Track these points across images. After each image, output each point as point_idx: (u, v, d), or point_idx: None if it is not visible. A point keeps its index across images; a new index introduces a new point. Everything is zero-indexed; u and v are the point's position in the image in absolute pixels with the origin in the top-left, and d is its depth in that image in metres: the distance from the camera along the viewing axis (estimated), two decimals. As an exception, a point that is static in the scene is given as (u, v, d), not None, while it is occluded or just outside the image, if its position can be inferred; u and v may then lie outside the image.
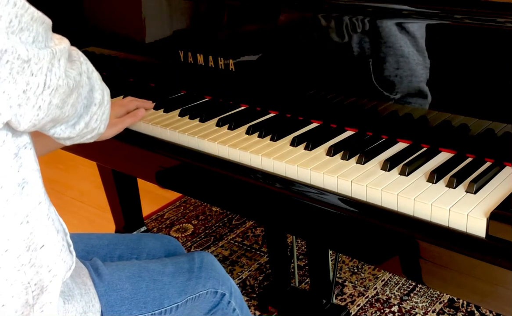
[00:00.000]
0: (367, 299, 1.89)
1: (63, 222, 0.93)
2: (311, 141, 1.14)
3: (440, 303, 1.84)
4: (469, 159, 1.05)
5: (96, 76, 0.96)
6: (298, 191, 1.07)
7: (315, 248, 1.56)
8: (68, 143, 0.98)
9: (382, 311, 1.83)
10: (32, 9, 0.77)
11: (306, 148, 1.14)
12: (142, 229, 2.17)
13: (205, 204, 2.56)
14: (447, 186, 0.96)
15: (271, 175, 1.11)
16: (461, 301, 1.84)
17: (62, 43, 0.83)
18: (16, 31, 0.73)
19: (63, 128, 0.91)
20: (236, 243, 2.27)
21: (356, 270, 2.03)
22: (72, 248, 0.94)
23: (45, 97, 0.79)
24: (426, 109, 1.07)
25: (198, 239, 2.32)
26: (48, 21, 0.81)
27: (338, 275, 2.00)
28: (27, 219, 0.83)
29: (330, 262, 1.57)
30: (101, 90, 0.97)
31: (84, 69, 0.91)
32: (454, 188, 0.95)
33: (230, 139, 1.21)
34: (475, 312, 1.79)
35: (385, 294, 1.90)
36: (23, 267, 0.83)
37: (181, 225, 2.44)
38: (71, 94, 0.86)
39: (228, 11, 1.33)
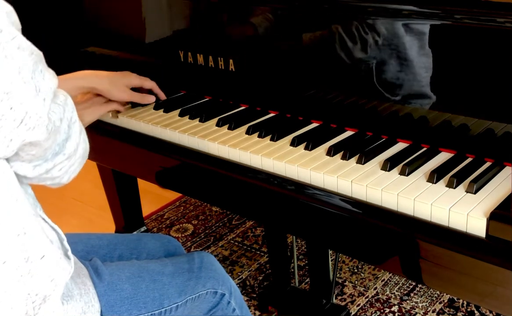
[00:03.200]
0: (367, 299, 1.89)
1: (58, 228, 0.93)
2: (311, 141, 1.14)
3: (440, 303, 1.84)
4: (469, 159, 1.05)
5: (77, 126, 0.90)
6: (298, 191, 1.07)
7: (315, 248, 1.56)
8: (24, 181, 0.89)
9: (382, 311, 1.83)
10: (20, 38, 0.75)
11: (306, 148, 1.14)
12: (142, 229, 2.17)
13: (205, 204, 2.56)
14: (447, 186, 0.96)
15: (271, 175, 1.11)
16: (461, 301, 1.84)
17: (51, 82, 0.80)
18: None
19: (24, 165, 0.84)
20: (236, 243, 2.27)
21: (356, 270, 2.03)
22: (69, 252, 0.94)
23: (20, 132, 0.76)
24: (426, 109, 1.07)
25: (198, 239, 2.32)
26: (38, 53, 0.79)
27: (338, 275, 2.00)
28: (24, 231, 0.83)
29: (330, 262, 1.57)
30: (76, 143, 0.90)
31: (68, 116, 0.86)
32: (454, 188, 0.95)
33: (230, 139, 1.21)
34: (475, 312, 1.79)
35: (385, 294, 1.90)
36: (22, 278, 0.83)
37: (181, 225, 2.44)
38: (48, 138, 0.81)
39: (228, 11, 1.33)
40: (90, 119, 1.30)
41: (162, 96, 1.45)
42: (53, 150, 0.86)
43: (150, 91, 1.44)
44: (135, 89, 1.40)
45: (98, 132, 1.42)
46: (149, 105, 1.44)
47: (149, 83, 1.42)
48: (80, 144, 0.92)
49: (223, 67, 1.35)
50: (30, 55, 0.76)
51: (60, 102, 0.84)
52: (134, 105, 1.44)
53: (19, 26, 0.78)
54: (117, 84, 1.35)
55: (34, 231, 0.84)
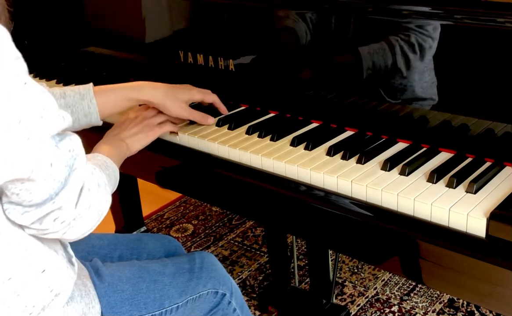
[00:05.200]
0: (367, 299, 1.89)
1: None
2: (311, 141, 1.14)
3: (440, 303, 1.84)
4: (469, 159, 1.05)
5: (79, 175, 0.81)
6: (298, 191, 1.07)
7: (315, 248, 1.56)
8: (27, 231, 0.84)
9: (382, 311, 1.83)
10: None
11: (306, 148, 1.14)
12: (142, 229, 2.17)
13: (205, 204, 2.56)
14: (447, 186, 0.96)
15: (271, 175, 1.11)
16: (461, 301, 1.84)
17: (48, 122, 0.75)
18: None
19: (12, 208, 0.79)
20: (236, 243, 2.27)
21: (356, 270, 2.03)
22: (73, 259, 0.95)
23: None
24: (426, 109, 1.07)
25: (198, 239, 2.32)
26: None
27: (338, 275, 2.00)
28: (25, 247, 0.84)
29: (330, 262, 1.57)
30: (76, 194, 0.81)
31: (67, 162, 0.79)
32: (454, 188, 0.95)
33: (230, 139, 1.21)
34: (475, 312, 1.79)
35: (385, 294, 1.90)
36: (23, 292, 0.84)
37: (181, 225, 2.44)
38: (33, 179, 0.75)
39: (228, 11, 1.33)
40: (139, 147, 1.17)
41: (224, 110, 1.31)
42: (42, 196, 0.78)
43: (209, 106, 1.31)
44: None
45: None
46: None
47: (210, 97, 1.29)
48: (83, 200, 0.83)
49: (223, 67, 1.35)
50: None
51: (63, 146, 0.79)
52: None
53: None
54: (176, 99, 1.22)
55: (38, 247, 0.85)
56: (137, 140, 1.16)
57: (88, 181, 0.84)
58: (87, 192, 0.83)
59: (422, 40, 1.03)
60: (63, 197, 0.79)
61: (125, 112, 1.22)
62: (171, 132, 1.27)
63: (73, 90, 1.18)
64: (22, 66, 0.73)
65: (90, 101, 1.16)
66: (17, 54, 0.73)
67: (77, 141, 0.82)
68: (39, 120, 0.74)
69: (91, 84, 1.20)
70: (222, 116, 1.31)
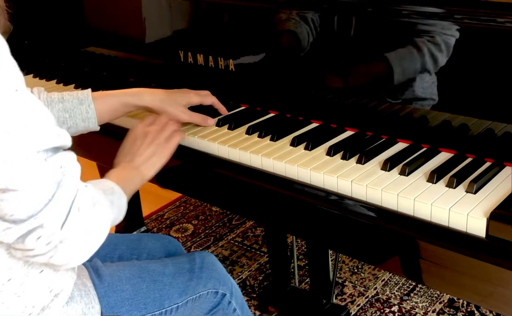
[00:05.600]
0: (367, 299, 1.89)
1: None
2: (311, 141, 1.14)
3: (440, 303, 1.84)
4: (469, 159, 1.05)
5: (68, 193, 0.78)
6: (298, 191, 1.07)
7: (315, 248, 1.56)
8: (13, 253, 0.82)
9: (382, 311, 1.83)
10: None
11: (306, 148, 1.14)
12: (142, 229, 2.17)
13: (205, 204, 2.56)
14: (447, 186, 0.96)
15: (271, 175, 1.11)
16: (461, 301, 1.84)
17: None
18: None
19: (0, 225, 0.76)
20: (236, 243, 2.27)
21: (356, 270, 2.03)
22: None
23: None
24: (426, 109, 1.07)
25: (198, 239, 2.32)
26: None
27: (338, 275, 2.00)
28: None
29: (330, 262, 1.57)
30: (64, 214, 0.77)
31: (54, 178, 0.77)
32: (454, 188, 0.95)
33: (230, 139, 1.21)
34: (475, 312, 1.79)
35: (385, 294, 1.90)
36: (24, 294, 0.84)
37: (181, 225, 2.44)
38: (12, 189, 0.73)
39: (228, 11, 1.33)
40: (155, 171, 1.10)
41: (224, 111, 1.31)
42: (25, 210, 0.75)
43: (209, 107, 1.30)
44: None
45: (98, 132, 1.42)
46: None
47: (209, 99, 1.29)
48: (75, 219, 0.78)
49: (223, 67, 1.35)
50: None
51: (53, 161, 0.77)
52: None
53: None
54: (174, 103, 1.22)
55: None
56: (151, 164, 1.09)
57: (78, 201, 0.79)
58: (76, 212, 0.79)
59: (421, 40, 1.03)
60: (46, 214, 0.75)
61: (133, 129, 1.15)
62: None
63: (71, 94, 1.18)
64: (16, 75, 0.72)
65: (88, 106, 1.17)
66: (12, 64, 0.72)
67: (69, 158, 0.79)
68: (30, 131, 0.72)
69: (89, 89, 1.20)
70: (222, 116, 1.31)
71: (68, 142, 0.80)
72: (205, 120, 1.26)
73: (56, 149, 0.78)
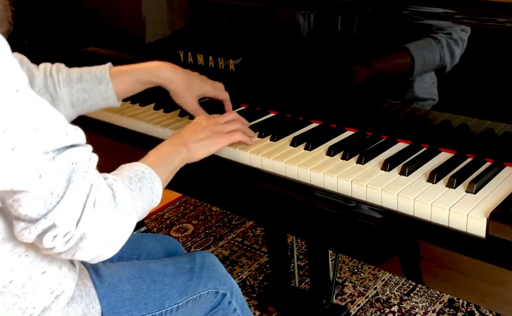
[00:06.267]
0: (367, 299, 1.89)
1: None
2: (311, 141, 1.14)
3: (440, 303, 1.84)
4: (469, 159, 1.05)
5: (80, 190, 0.75)
6: (298, 191, 1.07)
7: (315, 248, 1.56)
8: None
9: (382, 311, 1.83)
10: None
11: (306, 148, 1.14)
12: (142, 229, 2.17)
13: (205, 204, 2.57)
14: (447, 186, 0.96)
15: (271, 175, 1.11)
16: (461, 301, 1.84)
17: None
18: None
19: (18, 225, 0.75)
20: (236, 243, 2.27)
21: (356, 270, 2.03)
22: (75, 260, 0.95)
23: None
24: (426, 109, 1.07)
25: (198, 239, 2.32)
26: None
27: (338, 275, 2.01)
28: (25, 253, 0.83)
29: (330, 262, 1.57)
30: (78, 212, 0.75)
31: (64, 172, 0.74)
32: (454, 188, 0.95)
33: (230, 139, 1.21)
34: (475, 312, 1.79)
35: (385, 294, 1.90)
36: (25, 295, 0.84)
37: (181, 225, 2.44)
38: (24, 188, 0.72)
39: (228, 11, 1.33)
40: (204, 154, 1.08)
41: (230, 110, 1.27)
42: (36, 210, 0.73)
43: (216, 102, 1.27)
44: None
45: (100, 132, 1.42)
46: (149, 104, 1.44)
47: (223, 95, 1.26)
48: (91, 215, 0.76)
49: (223, 67, 1.35)
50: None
51: (64, 158, 0.74)
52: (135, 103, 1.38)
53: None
54: (189, 90, 1.19)
55: (38, 249, 0.83)
56: (202, 146, 1.07)
57: (93, 196, 0.77)
58: (91, 208, 0.76)
59: (421, 40, 1.03)
60: (57, 212, 0.73)
61: (199, 116, 1.16)
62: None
63: (90, 72, 1.16)
64: (17, 75, 0.71)
65: (106, 85, 1.16)
66: (12, 64, 0.71)
67: (83, 153, 0.76)
68: (32, 132, 0.71)
69: (107, 65, 1.18)
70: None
71: (80, 140, 0.77)
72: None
73: (67, 147, 0.76)
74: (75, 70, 1.17)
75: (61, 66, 1.17)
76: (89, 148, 0.79)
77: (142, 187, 0.89)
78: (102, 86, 1.16)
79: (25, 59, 1.15)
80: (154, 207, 0.94)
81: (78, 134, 0.77)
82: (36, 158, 0.71)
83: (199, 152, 1.07)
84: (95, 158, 0.80)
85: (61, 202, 0.73)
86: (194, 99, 1.21)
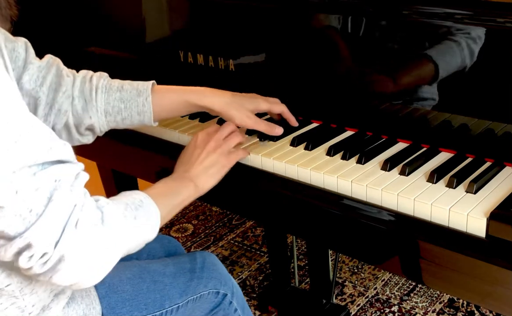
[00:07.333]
0: (367, 299, 1.89)
1: None
2: (311, 141, 1.14)
3: (440, 303, 1.84)
4: (469, 159, 1.05)
5: (61, 207, 0.72)
6: (297, 191, 1.07)
7: (315, 248, 1.56)
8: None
9: (382, 311, 1.83)
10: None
11: (306, 148, 1.14)
12: (142, 229, 2.16)
13: (205, 204, 2.57)
14: (447, 186, 0.96)
15: (271, 175, 1.11)
16: (461, 301, 1.84)
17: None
18: None
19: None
20: (236, 243, 2.27)
21: (356, 270, 2.04)
22: None
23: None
24: (426, 109, 1.07)
25: (198, 239, 2.32)
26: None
27: (338, 275, 2.01)
28: None
29: (330, 262, 1.57)
30: (57, 232, 0.71)
31: (46, 187, 0.71)
32: (454, 188, 0.95)
33: (230, 139, 1.21)
34: (475, 312, 1.79)
35: (385, 294, 1.90)
36: (23, 296, 0.84)
37: (181, 225, 2.44)
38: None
39: (228, 11, 1.33)
40: (214, 183, 1.05)
41: (294, 122, 1.21)
42: (13, 227, 0.69)
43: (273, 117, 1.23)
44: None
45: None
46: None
47: (278, 107, 1.18)
48: (73, 236, 0.72)
49: (223, 67, 1.35)
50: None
51: (46, 174, 0.71)
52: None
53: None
54: (241, 106, 1.12)
55: None
56: (211, 175, 1.04)
57: (76, 216, 0.73)
58: (73, 229, 0.72)
59: (421, 40, 1.03)
60: (34, 232, 0.69)
61: (194, 136, 1.12)
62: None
63: (132, 84, 1.11)
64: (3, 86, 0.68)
65: (145, 99, 1.09)
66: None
67: (69, 170, 0.73)
68: (10, 145, 0.67)
69: (152, 82, 1.13)
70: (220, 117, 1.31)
71: (67, 156, 0.74)
72: (272, 128, 1.15)
73: (52, 163, 0.72)
74: (118, 81, 1.13)
75: (104, 74, 1.14)
76: (78, 166, 0.76)
77: (137, 216, 0.85)
78: (141, 99, 1.09)
79: (60, 64, 1.13)
80: (148, 241, 0.90)
81: (65, 150, 0.74)
82: (14, 173, 0.67)
83: (208, 183, 1.04)
84: (84, 176, 0.76)
85: (38, 221, 0.70)
86: (249, 114, 1.13)
